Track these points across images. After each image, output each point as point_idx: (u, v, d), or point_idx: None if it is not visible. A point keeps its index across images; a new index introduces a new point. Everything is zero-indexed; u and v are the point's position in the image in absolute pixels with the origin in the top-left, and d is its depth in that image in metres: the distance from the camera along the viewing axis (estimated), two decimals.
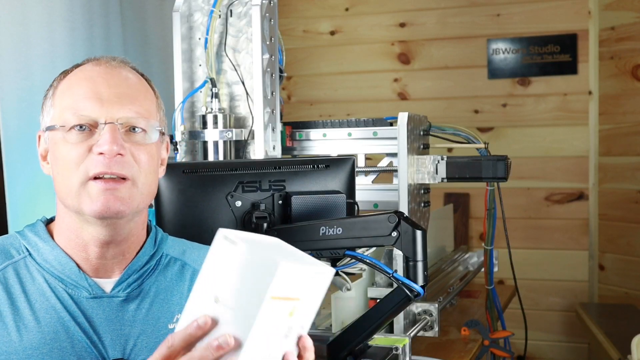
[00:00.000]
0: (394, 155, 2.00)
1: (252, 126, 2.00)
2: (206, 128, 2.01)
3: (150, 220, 1.27)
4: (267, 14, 1.99)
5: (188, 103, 2.09)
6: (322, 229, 1.42)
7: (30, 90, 2.21)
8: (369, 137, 2.08)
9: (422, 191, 1.98)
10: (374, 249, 1.74)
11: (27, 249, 1.16)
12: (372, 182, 2.11)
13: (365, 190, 2.07)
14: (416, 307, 1.87)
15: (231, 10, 2.06)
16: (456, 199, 3.66)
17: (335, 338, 1.59)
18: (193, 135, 2.03)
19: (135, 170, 1.11)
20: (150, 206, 1.38)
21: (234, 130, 1.99)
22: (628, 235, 3.38)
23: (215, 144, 2.00)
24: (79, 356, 1.10)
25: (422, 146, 2.00)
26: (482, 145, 2.01)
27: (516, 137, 3.61)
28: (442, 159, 1.96)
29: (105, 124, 1.09)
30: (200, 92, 2.08)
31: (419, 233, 1.38)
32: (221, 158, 1.99)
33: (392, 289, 1.47)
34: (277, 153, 2.02)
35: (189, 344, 0.90)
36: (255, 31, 1.95)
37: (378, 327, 1.51)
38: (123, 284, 1.16)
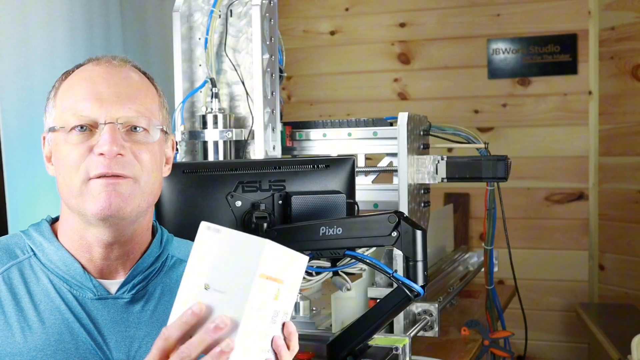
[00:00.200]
0: (394, 155, 2.00)
1: (252, 126, 2.00)
2: (206, 128, 2.01)
3: (155, 221, 1.26)
4: (267, 14, 1.98)
5: (188, 103, 2.09)
6: (322, 229, 1.42)
7: (30, 90, 2.21)
8: (369, 137, 2.08)
9: (422, 191, 1.98)
10: (374, 249, 1.74)
11: (31, 248, 1.16)
12: (372, 182, 2.11)
13: (365, 190, 2.07)
14: (416, 307, 1.87)
15: (231, 10, 2.06)
16: (456, 199, 3.66)
17: (335, 338, 1.59)
18: (193, 135, 2.03)
19: (137, 169, 1.10)
20: None
21: (234, 130, 1.99)
22: (628, 235, 3.38)
23: (215, 144, 2.00)
24: (83, 358, 1.09)
25: (422, 146, 2.00)
26: (482, 145, 2.01)
27: (516, 137, 3.61)
28: (442, 159, 1.96)
29: (105, 124, 1.08)
30: (200, 92, 2.08)
31: (419, 233, 1.38)
32: (221, 158, 1.99)
33: (392, 289, 1.47)
34: (277, 153, 2.02)
35: (184, 333, 0.91)
36: (255, 31, 1.95)
37: (378, 327, 1.51)
38: (128, 285, 1.15)
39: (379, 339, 1.68)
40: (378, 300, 1.61)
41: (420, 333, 1.85)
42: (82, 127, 1.09)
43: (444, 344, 2.04)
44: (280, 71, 2.08)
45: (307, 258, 0.97)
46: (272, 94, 2.01)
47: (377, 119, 2.09)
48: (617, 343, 2.64)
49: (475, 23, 3.66)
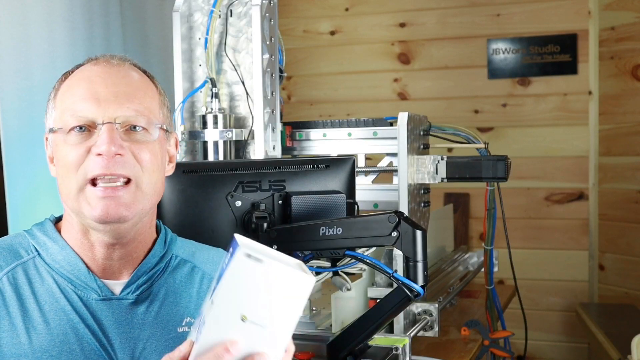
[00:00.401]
0: (394, 155, 2.00)
1: (252, 126, 2.00)
2: (206, 128, 2.01)
3: (159, 221, 1.25)
4: (267, 14, 1.98)
5: (188, 103, 2.09)
6: (322, 229, 1.42)
7: (30, 90, 2.21)
8: (369, 137, 2.08)
9: (422, 191, 1.98)
10: (374, 249, 1.74)
11: (36, 248, 1.15)
12: (372, 182, 2.11)
13: (365, 190, 2.07)
14: (416, 307, 1.87)
15: (231, 10, 2.06)
16: (456, 199, 3.66)
17: (335, 338, 1.59)
18: (193, 135, 2.03)
19: (137, 170, 1.09)
20: None
21: (234, 130, 1.99)
22: (628, 235, 3.38)
23: (215, 144, 2.00)
24: (88, 359, 1.09)
25: (422, 146, 2.00)
26: (482, 145, 2.01)
27: (516, 137, 3.61)
28: (442, 159, 1.96)
29: (103, 124, 1.07)
30: (200, 92, 2.08)
31: (419, 233, 1.38)
32: (221, 158, 1.99)
33: (392, 289, 1.47)
34: (277, 153, 2.02)
35: None
36: (255, 31, 1.95)
37: (378, 327, 1.51)
38: (132, 285, 1.15)
39: (379, 339, 1.68)
40: (378, 300, 1.61)
41: (420, 333, 1.85)
42: (80, 128, 1.08)
43: (444, 344, 2.04)
44: (280, 71, 2.08)
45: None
46: (272, 94, 2.01)
47: (377, 119, 2.09)
48: (617, 343, 2.64)
49: (475, 23, 3.66)
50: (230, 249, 0.92)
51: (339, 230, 1.41)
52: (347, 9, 3.88)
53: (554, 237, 3.58)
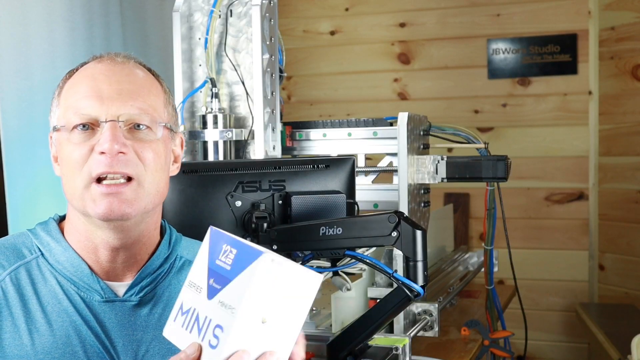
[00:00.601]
0: (394, 155, 2.00)
1: (252, 126, 2.00)
2: (206, 128, 2.01)
3: (164, 221, 1.24)
4: (267, 14, 1.98)
5: (188, 103, 2.09)
6: (322, 229, 1.42)
7: (30, 90, 2.21)
8: (369, 137, 2.08)
9: (422, 191, 1.98)
10: (374, 249, 1.74)
11: (39, 248, 1.14)
12: (372, 182, 2.11)
13: (365, 190, 2.07)
14: (416, 307, 1.87)
15: (231, 10, 2.06)
16: (456, 199, 3.66)
17: (335, 338, 1.59)
18: (193, 135, 2.03)
19: (140, 169, 1.07)
20: None
21: (234, 130, 1.99)
22: (628, 235, 3.38)
23: (215, 144, 2.00)
24: None
25: (422, 146, 2.00)
26: (482, 145, 2.01)
27: (516, 137, 3.61)
28: (442, 159, 1.95)
29: (106, 122, 1.06)
30: (200, 92, 2.08)
31: (419, 233, 1.38)
32: (221, 158, 1.99)
33: (392, 289, 1.47)
34: (277, 153, 2.02)
35: None
36: (255, 31, 1.94)
37: (378, 327, 1.51)
38: (136, 287, 1.14)
39: (379, 339, 1.68)
40: (378, 300, 1.61)
41: (420, 333, 1.85)
42: (84, 126, 1.07)
43: (444, 344, 2.04)
44: (280, 71, 2.08)
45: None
46: (272, 94, 2.00)
47: (377, 119, 2.09)
48: (617, 343, 2.64)
49: (475, 23, 3.66)
50: (207, 241, 0.94)
51: (339, 230, 1.41)
52: (347, 9, 3.88)
53: (554, 237, 3.58)
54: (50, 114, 1.14)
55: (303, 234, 1.44)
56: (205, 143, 2.01)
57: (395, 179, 1.99)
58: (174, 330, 0.95)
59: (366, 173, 2.11)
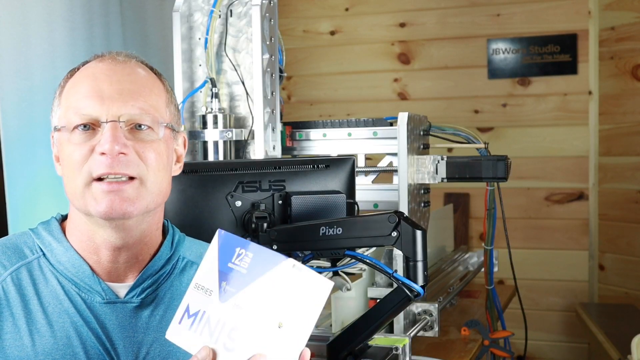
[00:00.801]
0: (394, 155, 2.00)
1: (252, 126, 2.00)
2: (206, 128, 2.01)
3: (167, 221, 1.23)
4: (267, 14, 1.98)
5: (188, 103, 2.09)
6: (322, 229, 1.41)
7: (30, 90, 2.21)
8: (369, 137, 2.08)
9: (422, 191, 1.98)
10: (374, 249, 1.74)
11: (41, 248, 1.13)
12: (372, 182, 2.11)
13: (365, 190, 2.07)
14: (416, 307, 1.87)
15: (231, 10, 2.06)
16: (456, 199, 3.66)
17: (335, 338, 1.59)
18: (193, 135, 2.03)
19: (142, 169, 1.07)
20: None
21: (234, 130, 1.99)
22: (628, 235, 3.38)
23: (215, 144, 2.00)
24: None
25: (422, 146, 2.00)
26: (482, 145, 2.01)
27: (516, 137, 3.61)
28: (442, 159, 1.95)
29: (107, 122, 1.05)
30: (200, 92, 2.08)
31: (419, 233, 1.38)
32: (221, 158, 1.99)
33: (392, 289, 1.47)
34: (277, 153, 2.02)
35: None
36: (255, 31, 1.94)
37: (378, 327, 1.51)
38: (137, 289, 1.13)
39: (379, 339, 1.68)
40: (378, 300, 1.61)
41: (420, 333, 1.85)
42: (84, 126, 1.06)
43: (444, 344, 2.04)
44: (280, 71, 2.08)
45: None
46: (272, 94, 2.01)
47: (377, 119, 2.09)
48: (617, 343, 2.64)
49: (475, 23, 3.66)
50: (217, 244, 0.93)
51: (339, 230, 1.41)
52: (347, 9, 3.88)
53: (554, 237, 3.58)
54: (52, 113, 1.13)
55: (303, 234, 1.44)
56: (205, 143, 2.01)
57: (395, 179, 1.99)
58: (180, 333, 0.94)
59: (366, 173, 2.11)
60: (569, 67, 3.52)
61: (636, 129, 3.32)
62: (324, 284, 0.91)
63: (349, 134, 2.09)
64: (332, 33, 3.92)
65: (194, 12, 2.09)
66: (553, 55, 3.55)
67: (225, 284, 0.91)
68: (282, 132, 2.07)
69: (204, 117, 2.02)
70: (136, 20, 2.82)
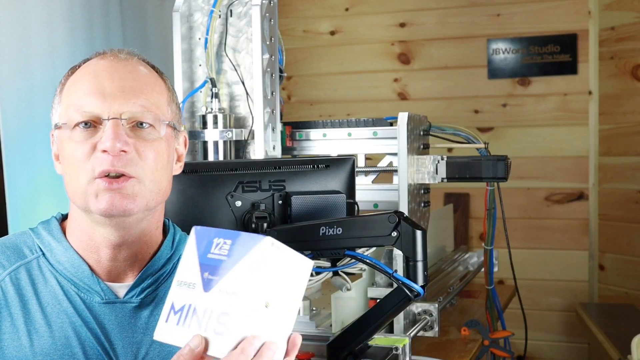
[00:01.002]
0: (394, 155, 2.00)
1: (252, 126, 2.00)
2: (206, 128, 2.01)
3: (168, 220, 1.22)
4: (267, 14, 1.99)
5: (188, 103, 2.09)
6: (322, 229, 1.41)
7: (30, 90, 2.21)
8: (369, 137, 2.08)
9: (422, 191, 1.98)
10: (374, 249, 1.74)
11: (40, 248, 1.12)
12: (372, 182, 2.11)
13: (365, 190, 2.07)
14: (416, 307, 1.87)
15: (231, 10, 2.06)
16: (456, 199, 3.66)
17: (335, 338, 1.59)
18: (193, 135, 2.03)
19: (140, 168, 1.06)
20: None
21: (234, 130, 1.99)
22: (628, 235, 3.38)
23: (215, 144, 2.00)
24: None
25: (422, 146, 2.00)
26: (482, 145, 2.01)
27: (516, 137, 3.61)
28: (442, 159, 1.96)
29: (109, 119, 1.05)
30: (200, 92, 2.08)
31: (419, 233, 1.38)
32: (221, 158, 1.99)
33: (392, 289, 1.47)
34: (277, 153, 2.02)
35: None
36: (255, 31, 1.94)
37: (378, 327, 1.51)
38: (137, 289, 1.12)
39: (379, 339, 1.68)
40: (378, 300, 1.61)
41: (420, 333, 1.85)
42: (86, 124, 1.05)
43: (444, 344, 2.04)
44: (280, 71, 2.08)
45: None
46: (272, 94, 2.01)
47: (377, 119, 2.09)
48: (617, 343, 2.64)
49: (475, 23, 3.66)
50: (194, 240, 0.94)
51: (339, 230, 1.41)
52: (347, 9, 3.88)
53: (554, 237, 3.58)
54: (52, 111, 1.13)
55: (303, 234, 1.44)
56: (205, 143, 2.01)
57: (395, 179, 1.99)
58: (168, 331, 0.94)
59: (366, 173, 2.11)
60: (569, 67, 3.52)
61: (636, 129, 3.32)
62: (304, 261, 0.93)
63: (349, 134, 2.10)
64: (332, 33, 3.92)
65: (194, 12, 2.09)
66: (553, 55, 3.55)
67: (208, 274, 0.91)
68: (282, 132, 2.07)
69: (204, 117, 2.02)
70: (136, 20, 2.82)
